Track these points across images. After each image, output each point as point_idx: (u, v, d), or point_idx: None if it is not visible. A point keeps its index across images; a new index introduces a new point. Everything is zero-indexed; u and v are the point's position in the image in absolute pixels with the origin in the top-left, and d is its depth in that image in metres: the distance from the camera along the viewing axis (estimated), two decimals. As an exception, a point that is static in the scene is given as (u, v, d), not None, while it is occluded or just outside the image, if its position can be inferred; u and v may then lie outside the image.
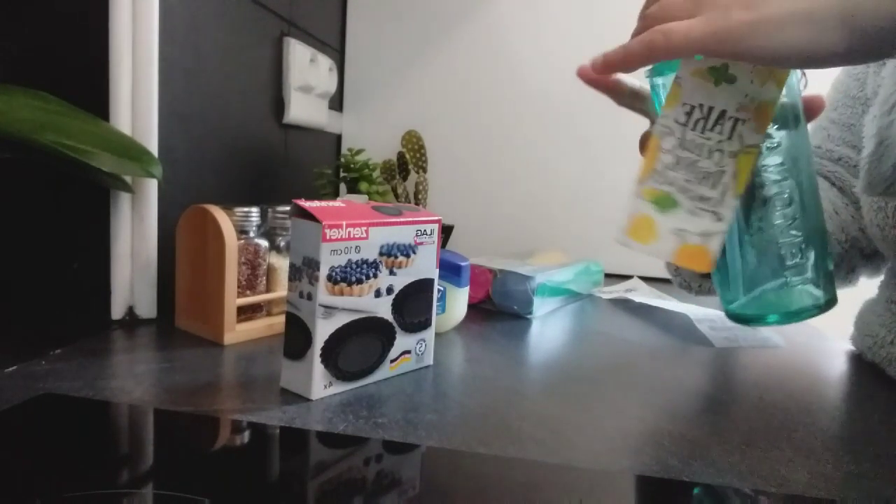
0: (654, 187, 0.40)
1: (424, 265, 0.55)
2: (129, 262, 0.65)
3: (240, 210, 0.62)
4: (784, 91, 0.41)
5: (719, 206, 0.39)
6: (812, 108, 0.45)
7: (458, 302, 0.68)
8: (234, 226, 0.60)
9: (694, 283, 0.65)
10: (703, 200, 0.39)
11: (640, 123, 0.50)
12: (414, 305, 0.55)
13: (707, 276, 0.52)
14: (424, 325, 0.56)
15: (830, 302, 0.43)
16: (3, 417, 0.42)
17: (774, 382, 0.61)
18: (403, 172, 1.07)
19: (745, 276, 0.43)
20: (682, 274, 0.65)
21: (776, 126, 0.42)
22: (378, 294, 0.51)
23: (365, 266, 0.49)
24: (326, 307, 0.47)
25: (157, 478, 0.37)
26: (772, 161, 0.43)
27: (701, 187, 0.39)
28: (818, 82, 0.73)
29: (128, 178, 0.63)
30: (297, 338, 0.48)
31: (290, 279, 0.49)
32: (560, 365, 0.63)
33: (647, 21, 0.41)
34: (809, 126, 0.73)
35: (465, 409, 0.49)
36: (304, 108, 0.99)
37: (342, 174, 1.02)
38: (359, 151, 1.01)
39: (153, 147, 0.64)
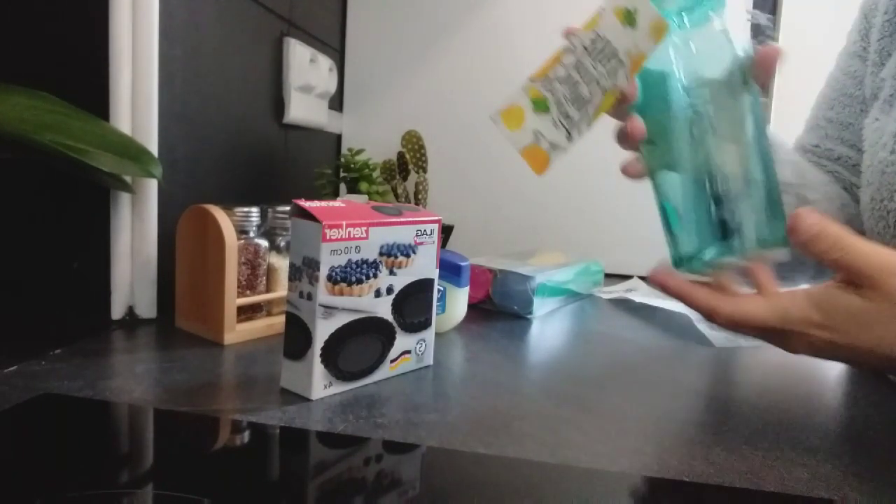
0: (540, 89, 0.46)
1: (424, 265, 0.55)
2: (129, 262, 0.65)
3: (240, 210, 0.62)
4: (730, 60, 0.45)
5: (575, 128, 0.46)
6: (766, 64, 0.45)
7: (458, 302, 0.68)
8: (234, 226, 0.60)
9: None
10: (567, 118, 0.46)
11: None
12: (414, 305, 0.55)
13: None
14: (424, 325, 0.56)
15: (768, 242, 0.44)
16: (3, 417, 0.42)
17: (774, 382, 0.61)
18: (403, 172, 1.07)
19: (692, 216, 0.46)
20: None
21: (725, 88, 0.46)
22: (378, 294, 0.51)
23: (365, 266, 0.49)
24: (326, 307, 0.47)
25: (157, 478, 0.37)
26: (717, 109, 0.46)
27: (570, 107, 0.46)
28: (815, 78, 0.73)
29: (128, 178, 0.63)
30: (297, 338, 0.48)
31: (290, 279, 0.49)
32: (560, 365, 0.63)
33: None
34: (805, 125, 0.73)
35: (465, 409, 0.49)
36: (304, 108, 0.99)
37: (342, 174, 1.02)
38: (359, 151, 1.01)
39: (153, 147, 0.64)
